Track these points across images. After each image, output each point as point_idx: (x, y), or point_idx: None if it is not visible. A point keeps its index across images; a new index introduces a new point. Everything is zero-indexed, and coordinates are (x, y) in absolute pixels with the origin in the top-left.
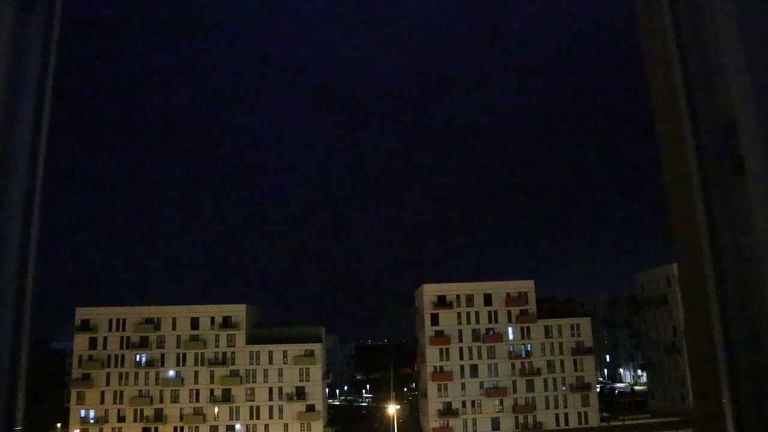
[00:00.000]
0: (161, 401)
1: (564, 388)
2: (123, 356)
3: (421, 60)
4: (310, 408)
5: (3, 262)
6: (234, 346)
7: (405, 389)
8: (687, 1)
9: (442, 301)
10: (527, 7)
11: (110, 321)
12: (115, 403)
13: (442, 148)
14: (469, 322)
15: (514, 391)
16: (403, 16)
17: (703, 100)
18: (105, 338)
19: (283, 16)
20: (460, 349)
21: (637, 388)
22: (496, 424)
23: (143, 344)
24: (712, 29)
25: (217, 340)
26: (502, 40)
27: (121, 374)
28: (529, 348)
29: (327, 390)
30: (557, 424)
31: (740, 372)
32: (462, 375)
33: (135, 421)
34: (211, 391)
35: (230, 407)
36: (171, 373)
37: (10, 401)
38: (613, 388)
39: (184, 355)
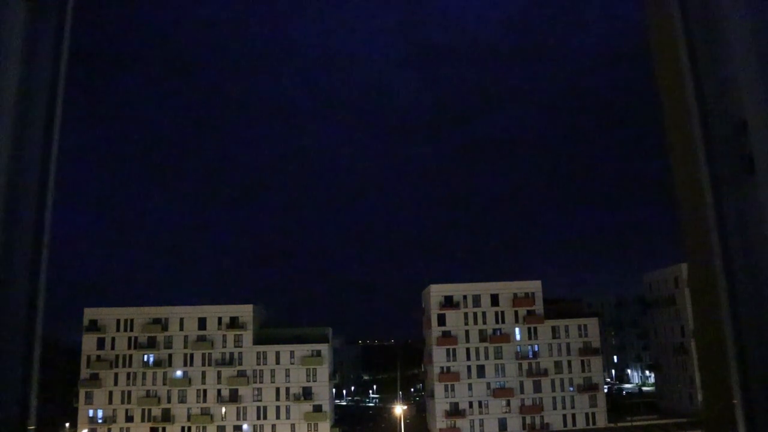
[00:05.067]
0: (169, 401)
1: (571, 388)
2: (131, 356)
3: (435, 70)
4: (317, 408)
5: (15, 263)
6: (241, 347)
7: (412, 390)
8: (697, 1)
9: (449, 302)
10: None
11: (118, 321)
12: (123, 403)
13: (452, 152)
14: (476, 323)
15: (521, 392)
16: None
17: (713, 99)
18: (113, 338)
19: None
20: (467, 350)
21: (645, 389)
22: (503, 424)
23: (151, 344)
24: (722, 28)
25: (224, 340)
26: (505, 54)
27: (129, 374)
28: (536, 348)
29: (334, 390)
30: (564, 424)
31: (751, 373)
32: (469, 375)
33: (143, 421)
34: (219, 391)
35: (237, 407)
36: (178, 373)
37: (23, 401)
38: (621, 389)
39: (192, 355)
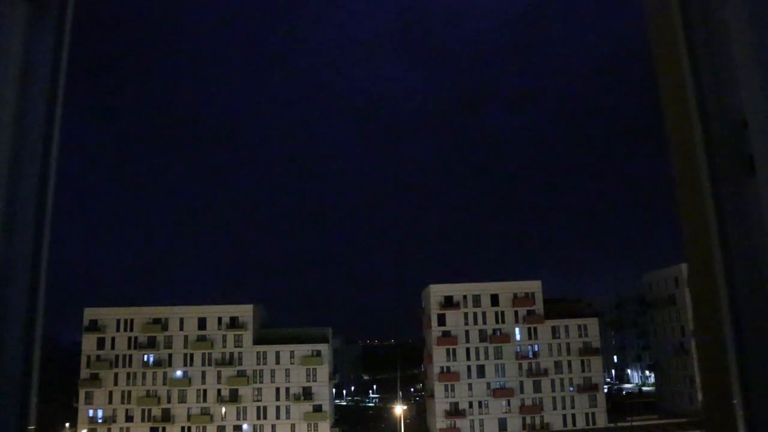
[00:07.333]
0: (169, 401)
1: (571, 389)
2: (131, 356)
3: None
4: (317, 408)
5: (15, 262)
6: (241, 347)
7: (412, 390)
8: (697, 2)
9: (449, 302)
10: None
11: (118, 321)
12: (123, 403)
13: (452, 151)
14: (476, 323)
15: (521, 392)
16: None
17: (713, 98)
18: (113, 338)
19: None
20: (467, 350)
21: (644, 389)
22: (503, 424)
23: (151, 344)
24: (722, 29)
25: (224, 340)
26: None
27: (129, 374)
28: (536, 348)
29: (334, 390)
30: (564, 424)
31: (751, 373)
32: (469, 375)
33: (143, 420)
34: (219, 391)
35: (237, 407)
36: (178, 373)
37: (23, 401)
38: (621, 389)
39: (192, 355)
